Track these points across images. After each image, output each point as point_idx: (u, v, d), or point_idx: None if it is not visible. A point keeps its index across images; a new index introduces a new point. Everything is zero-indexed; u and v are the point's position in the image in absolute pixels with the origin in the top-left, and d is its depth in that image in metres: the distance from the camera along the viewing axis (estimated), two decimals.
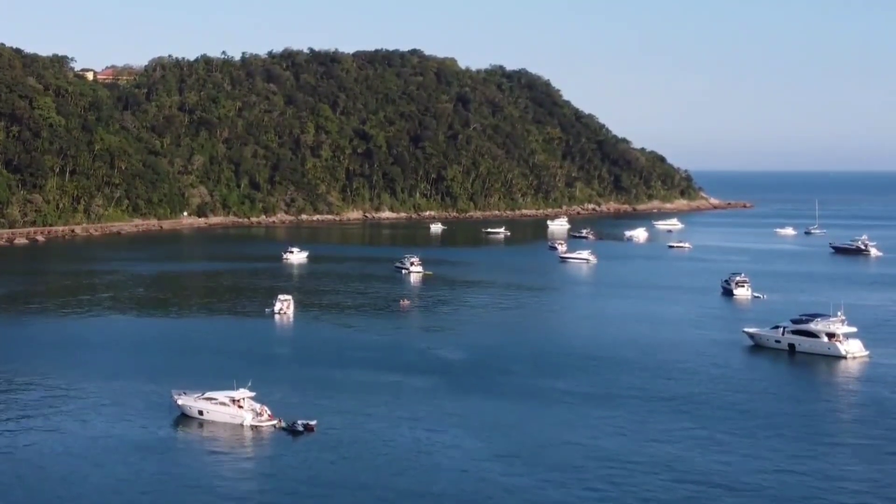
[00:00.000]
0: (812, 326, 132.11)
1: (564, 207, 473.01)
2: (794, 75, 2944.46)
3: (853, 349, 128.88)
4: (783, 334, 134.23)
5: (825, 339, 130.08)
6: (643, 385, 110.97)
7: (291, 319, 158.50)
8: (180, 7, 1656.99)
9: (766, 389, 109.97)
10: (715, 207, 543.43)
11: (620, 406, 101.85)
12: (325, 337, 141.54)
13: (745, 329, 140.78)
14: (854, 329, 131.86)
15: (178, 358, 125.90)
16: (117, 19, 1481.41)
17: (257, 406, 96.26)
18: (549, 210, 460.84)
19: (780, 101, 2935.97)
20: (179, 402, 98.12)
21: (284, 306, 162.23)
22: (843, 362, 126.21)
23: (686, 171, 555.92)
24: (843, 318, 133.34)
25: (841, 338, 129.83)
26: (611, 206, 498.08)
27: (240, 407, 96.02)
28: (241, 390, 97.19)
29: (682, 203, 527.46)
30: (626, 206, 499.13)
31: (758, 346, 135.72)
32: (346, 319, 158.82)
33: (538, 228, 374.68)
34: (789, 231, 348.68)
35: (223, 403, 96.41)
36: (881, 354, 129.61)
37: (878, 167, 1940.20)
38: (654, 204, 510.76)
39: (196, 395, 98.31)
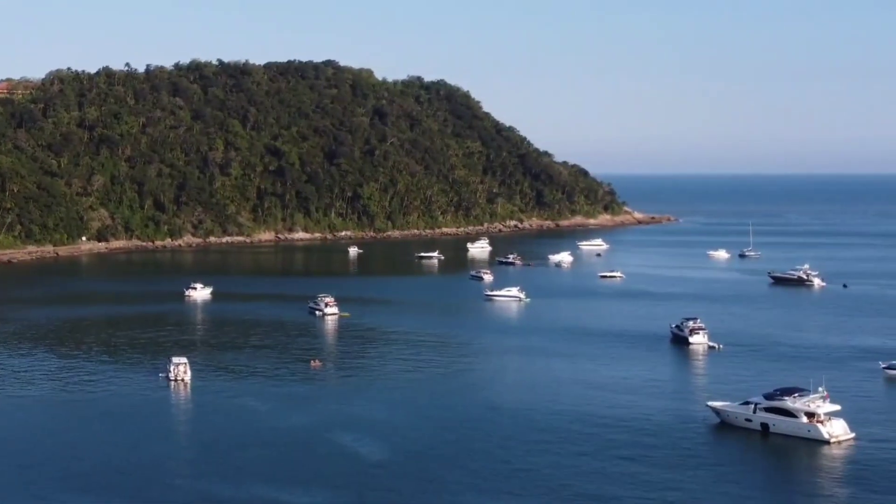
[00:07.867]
0: (789, 404, 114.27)
1: (486, 225, 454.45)
2: (712, 74, 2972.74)
3: (837, 431, 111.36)
4: (755, 412, 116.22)
5: (804, 419, 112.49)
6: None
7: (188, 389, 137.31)
8: (82, 17, 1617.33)
9: None
10: (640, 222, 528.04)
11: None
12: (220, 424, 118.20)
13: (710, 403, 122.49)
14: (838, 407, 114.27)
15: (37, 468, 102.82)
16: (15, 29, 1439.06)
17: None
18: (471, 228, 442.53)
19: (717, 101, 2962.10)
20: None
21: (180, 371, 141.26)
22: (825, 448, 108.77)
23: (609, 184, 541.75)
24: (825, 393, 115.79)
25: (823, 418, 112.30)
26: (533, 222, 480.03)
27: None
28: None
29: (605, 218, 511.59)
30: (548, 223, 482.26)
31: (724, 424, 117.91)
32: (248, 388, 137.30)
33: (461, 250, 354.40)
34: (722, 254, 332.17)
35: None
36: (867, 435, 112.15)
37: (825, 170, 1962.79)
38: (578, 220, 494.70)
39: None
